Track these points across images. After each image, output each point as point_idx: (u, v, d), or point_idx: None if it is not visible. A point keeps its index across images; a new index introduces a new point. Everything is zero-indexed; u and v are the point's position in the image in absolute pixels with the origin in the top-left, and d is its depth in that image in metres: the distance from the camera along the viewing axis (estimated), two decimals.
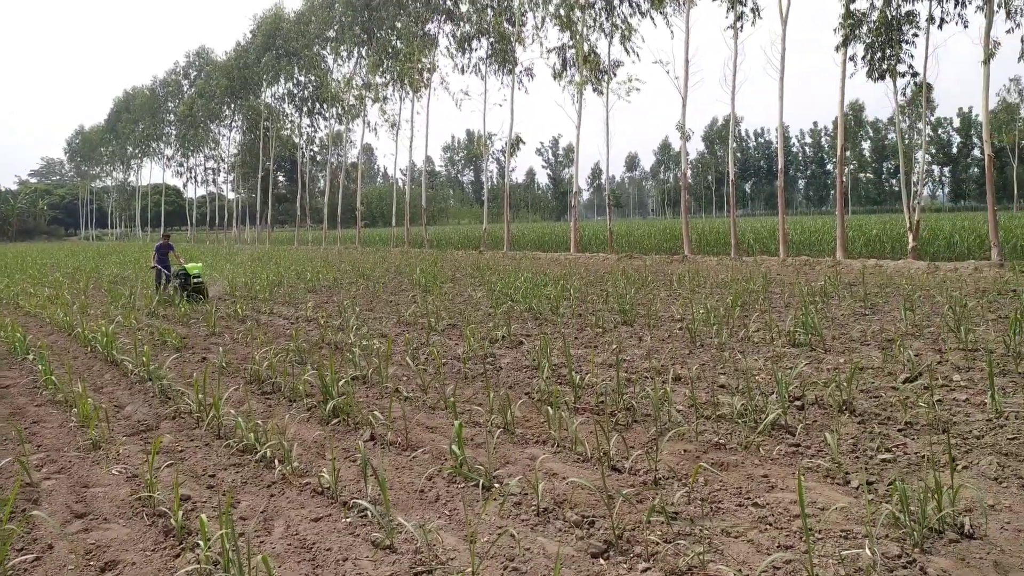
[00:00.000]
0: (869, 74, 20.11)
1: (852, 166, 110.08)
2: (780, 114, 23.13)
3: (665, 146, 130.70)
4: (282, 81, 53.55)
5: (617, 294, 14.20)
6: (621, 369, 7.83)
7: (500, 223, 45.20)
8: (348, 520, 4.15)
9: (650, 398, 6.40)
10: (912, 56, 19.69)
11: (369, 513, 4.16)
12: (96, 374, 8.59)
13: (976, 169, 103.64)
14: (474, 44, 35.75)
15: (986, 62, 17.22)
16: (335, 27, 43.73)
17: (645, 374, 7.46)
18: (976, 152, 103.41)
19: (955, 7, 18.97)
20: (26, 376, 8.54)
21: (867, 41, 19.79)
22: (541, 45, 32.87)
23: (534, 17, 31.19)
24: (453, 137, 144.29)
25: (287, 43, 49.55)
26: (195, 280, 15.89)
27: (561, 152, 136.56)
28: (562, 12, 29.35)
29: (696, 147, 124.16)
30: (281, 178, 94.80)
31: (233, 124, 65.86)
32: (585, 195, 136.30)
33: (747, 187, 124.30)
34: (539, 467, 4.90)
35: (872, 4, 19.73)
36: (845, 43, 20.21)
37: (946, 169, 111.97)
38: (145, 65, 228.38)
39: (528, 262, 27.18)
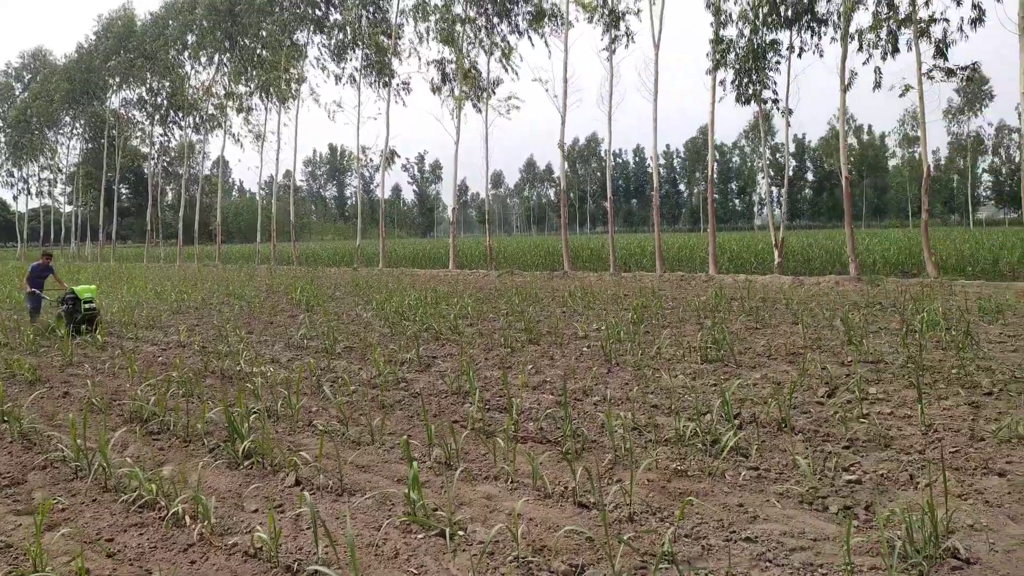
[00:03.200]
0: (738, 99, 21.27)
1: (701, 186, 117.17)
2: (654, 134, 23.96)
3: (530, 164, 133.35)
4: (132, 86, 49.60)
5: (515, 311, 13.95)
6: (545, 391, 7.53)
7: (369, 239, 44.01)
8: None
9: (595, 423, 6.12)
10: (776, 83, 21.05)
11: None
12: None
13: (809, 191, 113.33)
14: (348, 55, 34.69)
15: (844, 90, 18.64)
16: (195, 31, 41.04)
17: (572, 396, 7.17)
18: (809, 175, 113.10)
19: (811, 37, 20.45)
20: None
21: (736, 67, 20.93)
22: (419, 58, 32.40)
23: (414, 29, 30.70)
24: (315, 151, 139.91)
25: (140, 45, 45.92)
26: (87, 307, 12.59)
27: (428, 168, 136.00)
28: (443, 26, 29.05)
29: (559, 165, 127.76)
30: (125, 190, 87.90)
31: (74, 132, 60.29)
32: (450, 212, 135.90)
33: (606, 205, 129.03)
34: (498, 507, 4.46)
35: (740, 32, 20.92)
36: (716, 67, 21.28)
37: (782, 190, 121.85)
38: None
39: (407, 279, 26.49)
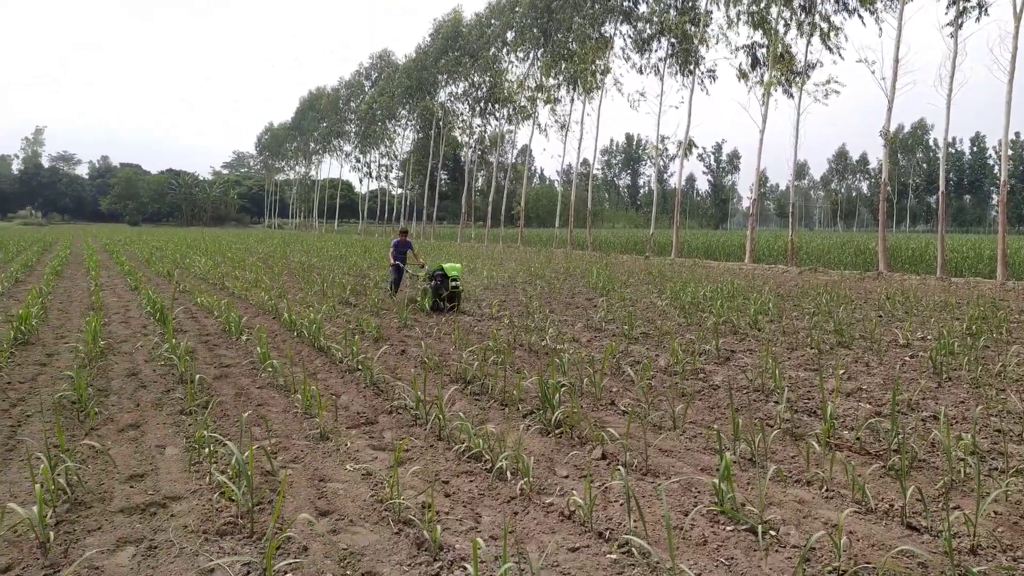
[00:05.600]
0: None
1: None
2: (1007, 121, 20.49)
3: (841, 154, 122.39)
4: (459, 82, 55.24)
5: (821, 311, 13.00)
6: (861, 399, 6.93)
7: (660, 228, 43.89)
8: (612, 557, 3.68)
9: (924, 441, 5.52)
10: None
11: (635, 551, 3.68)
12: (306, 360, 8.78)
13: None
14: (653, 45, 34.83)
15: None
16: (514, 28, 44.33)
17: (897, 409, 6.50)
18: None
19: None
20: (243, 357, 8.88)
21: None
22: (728, 43, 31.35)
23: (724, 14, 29.75)
24: (612, 140, 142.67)
25: (466, 44, 51.01)
26: (453, 284, 13.06)
27: (724, 158, 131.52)
28: (756, 9, 27.79)
29: (875, 155, 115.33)
30: (444, 176, 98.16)
31: (408, 123, 68.96)
32: (746, 202, 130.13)
33: (932, 200, 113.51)
34: (812, 514, 4.23)
35: None
36: None
37: None
38: (332, 68, 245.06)
39: (701, 270, 25.99)
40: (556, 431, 5.80)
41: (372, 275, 20.26)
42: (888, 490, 4.57)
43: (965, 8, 21.30)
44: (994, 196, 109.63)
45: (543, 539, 3.90)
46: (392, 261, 15.05)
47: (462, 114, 57.82)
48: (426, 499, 4.32)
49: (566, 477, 4.87)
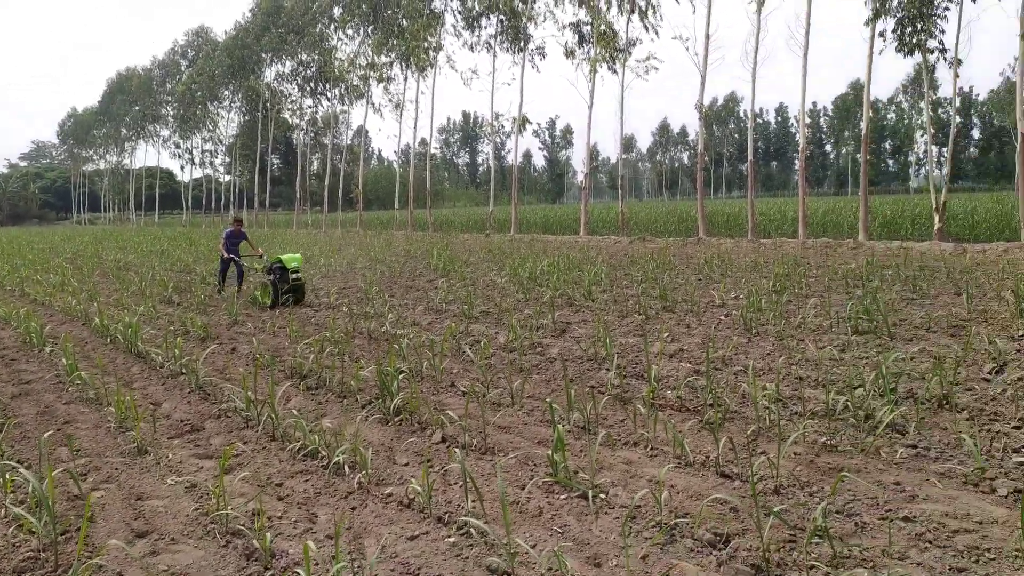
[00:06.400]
0: (899, 48, 19.55)
1: (850, 146, 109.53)
2: (803, 91, 22.60)
3: (664, 127, 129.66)
4: (285, 60, 52.64)
5: (649, 279, 13.77)
6: (683, 360, 7.42)
7: (500, 205, 44.59)
8: (451, 540, 3.71)
9: (736, 394, 5.99)
10: (943, 31, 19.16)
11: (473, 532, 3.73)
12: (122, 368, 8.11)
13: (974, 149, 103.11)
14: (483, 22, 34.98)
15: None
16: (341, 4, 42.76)
17: (711, 365, 7.02)
18: (975, 133, 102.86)
19: None
20: (48, 370, 8.05)
21: (898, 15, 19.23)
22: (556, 21, 32.05)
23: None
24: (449, 119, 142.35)
25: (289, 21, 48.58)
26: (294, 277, 12.26)
27: (558, 134, 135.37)
28: None
29: (693, 127, 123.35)
30: (276, 160, 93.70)
31: (232, 105, 64.92)
32: (580, 176, 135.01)
33: (744, 168, 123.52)
34: (639, 473, 4.48)
35: None
36: (875, 17, 19.64)
37: (944, 149, 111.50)
38: (142, 47, 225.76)
39: (539, 245, 26.70)
40: (396, 419, 5.74)
41: (200, 270, 19.01)
42: (705, 443, 4.94)
43: None
44: (796, 162, 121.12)
45: (382, 531, 3.85)
46: (225, 253, 13.77)
47: (291, 95, 55.39)
48: (256, 505, 4.13)
49: (406, 465, 4.84)
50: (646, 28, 28.57)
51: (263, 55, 54.07)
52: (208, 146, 72.28)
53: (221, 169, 77.71)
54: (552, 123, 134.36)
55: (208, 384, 7.10)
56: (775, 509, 3.62)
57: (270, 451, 5.20)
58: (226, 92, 62.96)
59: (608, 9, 28.93)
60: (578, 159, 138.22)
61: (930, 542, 3.47)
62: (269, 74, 56.15)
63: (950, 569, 3.22)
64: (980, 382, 6.14)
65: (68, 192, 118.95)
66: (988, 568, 3.21)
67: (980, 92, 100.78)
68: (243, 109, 64.23)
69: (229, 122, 68.05)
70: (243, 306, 12.24)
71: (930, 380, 5.88)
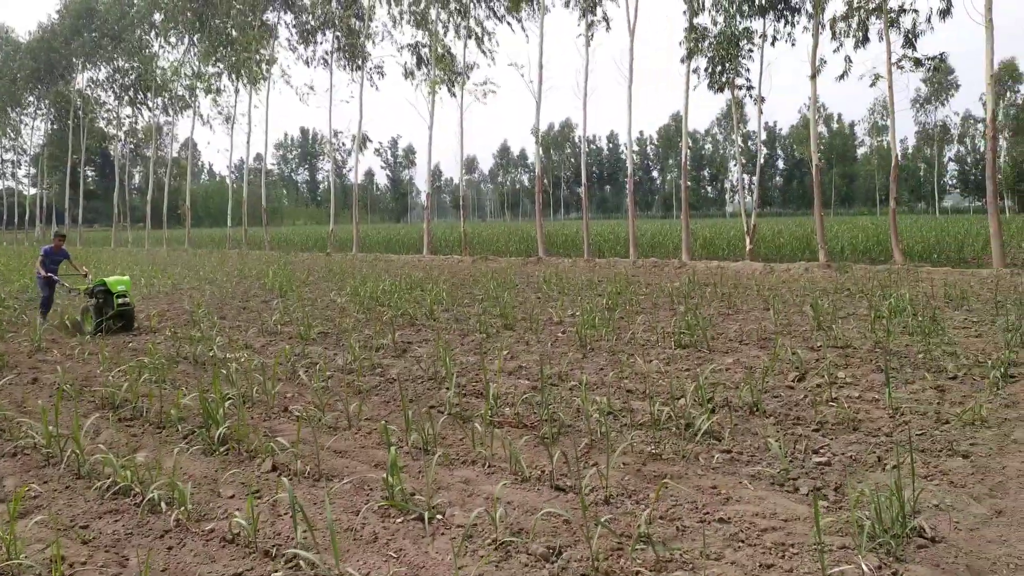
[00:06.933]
0: (711, 86, 21.39)
1: (674, 173, 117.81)
2: (629, 120, 24.02)
3: (504, 149, 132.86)
4: (100, 66, 48.44)
5: (490, 297, 13.97)
6: (521, 377, 7.57)
7: (342, 224, 43.66)
8: (278, 574, 3.51)
9: (571, 408, 6.18)
10: (748, 71, 21.21)
11: (302, 564, 3.56)
12: None
13: (779, 178, 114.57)
14: (319, 37, 34.22)
15: (814, 78, 18.83)
16: (163, 10, 40.12)
17: (548, 381, 7.22)
18: (780, 163, 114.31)
19: (784, 25, 20.63)
20: None
21: (709, 55, 21.04)
22: (394, 42, 32.06)
23: (389, 11, 30.29)
24: (287, 135, 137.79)
25: (103, 25, 44.81)
26: (120, 301, 11.07)
27: (401, 153, 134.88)
28: (416, 10, 28.76)
29: (532, 151, 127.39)
30: (91, 173, 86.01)
31: (38, 112, 58.82)
32: (423, 196, 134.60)
33: (580, 191, 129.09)
34: (476, 491, 4.50)
35: (713, 20, 21.04)
36: (690, 56, 21.37)
37: (753, 178, 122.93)
38: None
39: (382, 264, 26.36)
40: (222, 449, 5.39)
41: None
42: (541, 457, 5.04)
43: (593, 21, 24.46)
44: (627, 187, 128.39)
45: (200, 570, 3.58)
46: (43, 272, 11.97)
47: (108, 103, 51.16)
48: (53, 552, 3.70)
49: (231, 497, 4.54)
50: (483, 53, 29.28)
51: (74, 60, 49.58)
52: (9, 155, 65.05)
53: (26, 181, 70.22)
54: (395, 142, 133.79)
55: (2, 419, 6.31)
56: (603, 519, 3.75)
57: (75, 490, 4.69)
58: (31, 98, 57.05)
59: (446, 33, 29.36)
60: (421, 179, 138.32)
61: (742, 541, 3.74)
62: (81, 80, 51.59)
63: (759, 566, 3.49)
64: (785, 389, 6.76)
65: None
66: (792, 563, 3.51)
67: (783, 127, 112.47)
68: (51, 117, 58.49)
69: (35, 130, 61.70)
70: (47, 332, 11.05)
71: (742, 389, 6.39)
